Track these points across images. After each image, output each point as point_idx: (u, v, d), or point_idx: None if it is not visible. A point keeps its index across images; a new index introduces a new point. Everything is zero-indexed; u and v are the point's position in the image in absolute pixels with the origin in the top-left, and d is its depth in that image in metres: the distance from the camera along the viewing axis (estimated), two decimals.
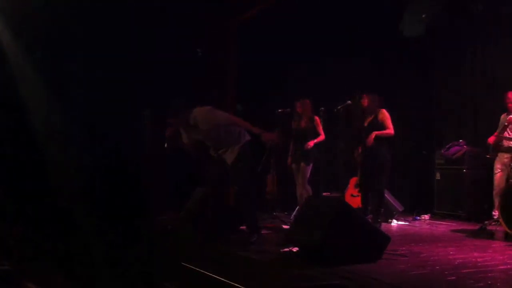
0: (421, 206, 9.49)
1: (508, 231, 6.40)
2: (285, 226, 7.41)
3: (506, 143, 7.35)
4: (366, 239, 5.12)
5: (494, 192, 7.40)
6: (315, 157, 8.00)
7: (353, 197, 8.67)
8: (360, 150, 7.45)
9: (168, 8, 9.14)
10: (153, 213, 8.49)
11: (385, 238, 5.33)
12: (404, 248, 5.88)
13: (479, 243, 6.37)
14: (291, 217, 8.50)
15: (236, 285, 4.14)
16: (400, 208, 8.60)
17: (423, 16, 9.10)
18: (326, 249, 4.98)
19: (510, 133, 7.35)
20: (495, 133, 7.47)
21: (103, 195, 8.52)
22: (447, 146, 9.05)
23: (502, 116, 7.57)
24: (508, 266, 5.03)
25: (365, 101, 7.42)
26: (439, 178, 9.10)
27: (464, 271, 4.77)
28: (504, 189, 6.73)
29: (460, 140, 9.03)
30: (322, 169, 8.15)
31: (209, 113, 6.24)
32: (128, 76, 8.84)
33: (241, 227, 7.24)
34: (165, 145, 6.35)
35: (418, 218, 8.75)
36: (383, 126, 7.27)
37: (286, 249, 5.53)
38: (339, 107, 7.86)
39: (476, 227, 7.45)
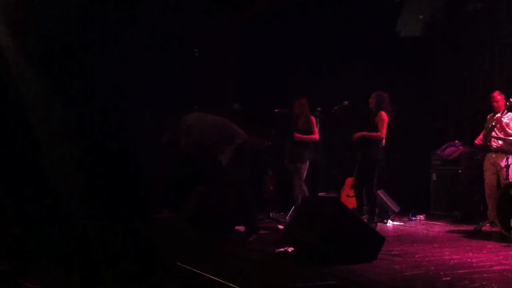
0: (417, 206, 9.51)
1: (504, 232, 6.44)
2: (280, 227, 7.44)
3: (494, 143, 7.35)
4: (361, 240, 5.16)
5: (486, 193, 7.45)
6: (311, 157, 8.03)
7: (349, 198, 8.70)
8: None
9: (168, 8, 9.15)
10: (151, 213, 8.52)
11: (380, 239, 5.37)
12: (399, 249, 5.91)
13: (475, 243, 6.41)
14: (287, 217, 8.53)
15: (232, 285, 4.17)
16: (396, 208, 8.62)
17: (421, 16, 9.14)
18: (321, 249, 5.01)
19: (498, 133, 7.33)
20: (481, 134, 7.49)
21: (102, 195, 8.54)
22: (443, 147, 9.07)
23: (489, 117, 7.59)
24: (503, 267, 5.07)
25: (373, 101, 7.50)
26: (435, 178, 9.13)
27: (459, 271, 4.80)
28: (499, 191, 6.77)
29: (456, 141, 9.05)
30: (318, 170, 8.17)
31: (199, 118, 6.36)
32: (128, 76, 8.85)
33: (238, 227, 7.27)
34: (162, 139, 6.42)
35: (414, 218, 8.77)
36: (376, 128, 7.34)
37: (282, 249, 5.55)
38: (335, 108, 7.89)
39: (472, 227, 7.49)
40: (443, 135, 9.82)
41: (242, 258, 5.52)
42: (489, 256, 5.59)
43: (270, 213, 8.76)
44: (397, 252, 5.64)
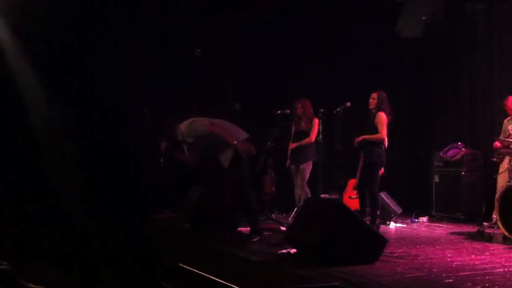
0: (419, 208, 9.49)
1: (506, 234, 6.41)
2: (282, 228, 7.42)
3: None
4: (364, 241, 5.13)
5: (496, 196, 7.40)
6: (314, 158, 8.01)
7: (351, 199, 8.68)
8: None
9: (168, 8, 9.15)
10: (151, 213, 8.50)
11: (382, 240, 5.34)
12: (401, 250, 5.89)
13: (477, 245, 6.38)
14: (290, 219, 8.51)
15: (232, 285, 4.14)
16: (398, 210, 8.60)
17: (423, 17, 9.11)
18: (323, 250, 4.99)
19: None
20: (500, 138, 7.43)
21: (101, 195, 8.53)
22: (445, 149, 9.05)
23: (506, 120, 7.57)
24: (506, 269, 5.04)
25: (374, 102, 7.45)
26: (437, 180, 9.11)
27: (462, 273, 4.77)
28: (502, 192, 6.74)
29: (459, 143, 9.03)
30: (321, 171, 8.14)
31: (189, 127, 6.37)
32: (128, 76, 8.85)
33: (241, 228, 7.25)
34: (161, 160, 6.46)
35: (416, 220, 8.75)
36: (376, 129, 7.31)
37: (284, 251, 5.54)
38: (338, 109, 7.87)
39: (474, 229, 7.46)
40: (444, 136, 9.81)
41: (243, 258, 5.50)
42: (492, 258, 5.56)
43: (272, 214, 8.74)
44: (399, 254, 5.62)
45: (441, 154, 9.08)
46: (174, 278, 4.97)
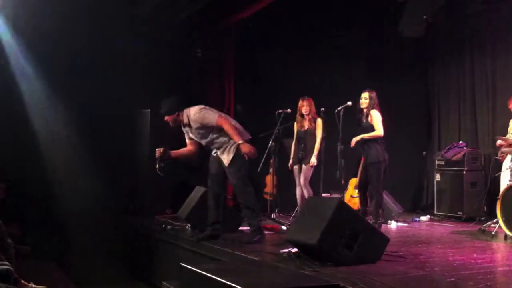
0: (420, 207, 9.49)
1: (508, 232, 6.39)
2: (284, 227, 7.40)
3: None
4: (365, 240, 5.11)
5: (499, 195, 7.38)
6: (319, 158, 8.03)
7: (352, 198, 8.66)
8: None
9: (167, 8, 9.15)
10: (152, 213, 8.50)
11: (384, 239, 5.33)
12: (403, 250, 5.88)
13: (479, 244, 6.37)
14: (291, 218, 8.49)
15: (234, 285, 4.13)
16: (399, 209, 8.59)
17: (424, 17, 9.10)
18: (325, 250, 4.97)
19: None
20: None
21: (102, 194, 8.53)
22: (447, 148, 9.04)
23: (511, 121, 7.57)
24: (508, 268, 5.03)
25: (366, 101, 7.40)
26: (439, 179, 9.09)
27: (464, 272, 4.76)
28: (504, 191, 6.72)
29: (460, 142, 9.03)
30: (322, 170, 8.13)
31: (199, 112, 6.32)
32: (127, 77, 8.85)
33: (240, 227, 7.24)
34: (157, 166, 6.39)
35: (418, 219, 8.74)
36: (372, 128, 7.29)
37: (285, 250, 5.52)
38: (339, 108, 7.85)
39: (476, 228, 7.45)
40: (446, 135, 9.80)
41: (244, 258, 5.49)
42: (494, 257, 5.56)
43: (273, 214, 8.73)
44: (401, 253, 5.60)
45: (442, 153, 9.08)
46: (173, 278, 4.97)
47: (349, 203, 7.30)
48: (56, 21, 8.20)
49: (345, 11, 9.67)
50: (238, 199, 6.52)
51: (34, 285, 4.58)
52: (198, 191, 7.36)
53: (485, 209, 8.11)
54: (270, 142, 8.22)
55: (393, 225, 8.21)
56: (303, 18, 9.81)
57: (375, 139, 7.33)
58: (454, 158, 8.84)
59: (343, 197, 8.73)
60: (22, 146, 8.37)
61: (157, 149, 6.44)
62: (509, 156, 7.36)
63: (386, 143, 7.44)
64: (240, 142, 6.19)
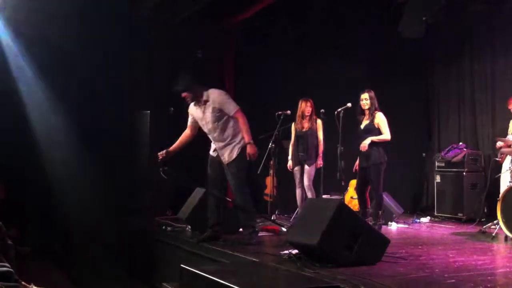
0: (421, 208, 9.49)
1: (508, 234, 6.39)
2: (284, 229, 7.40)
3: None
4: (366, 242, 5.11)
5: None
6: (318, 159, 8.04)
7: (353, 200, 8.67)
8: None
9: (167, 8, 9.15)
10: (152, 214, 8.50)
11: (384, 241, 5.32)
12: (403, 251, 5.87)
13: (479, 246, 6.36)
14: (291, 220, 8.49)
15: (235, 287, 4.13)
16: (400, 210, 8.59)
17: (424, 18, 9.10)
18: (326, 251, 4.97)
19: None
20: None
21: (102, 195, 8.52)
22: (447, 149, 9.05)
23: (511, 122, 7.57)
24: (508, 269, 5.03)
25: (368, 102, 7.37)
26: (439, 180, 9.10)
27: (464, 274, 4.76)
28: (504, 192, 6.72)
29: (460, 143, 9.04)
30: (322, 172, 8.13)
31: (224, 95, 6.35)
32: (128, 77, 8.84)
33: (240, 229, 7.24)
34: (160, 169, 6.36)
35: (418, 221, 8.74)
36: (378, 131, 7.26)
37: (286, 251, 5.52)
38: (339, 110, 7.85)
39: (476, 230, 7.45)
40: (446, 136, 9.80)
41: (244, 259, 5.49)
42: (494, 259, 5.56)
43: (273, 215, 8.73)
44: (401, 255, 5.60)
45: (442, 154, 9.09)
46: (173, 279, 4.96)
47: (349, 205, 7.32)
48: (55, 21, 8.20)
49: (344, 12, 9.66)
50: (235, 200, 6.50)
51: (34, 287, 4.57)
52: (198, 193, 7.36)
53: (485, 211, 8.11)
54: (270, 144, 8.22)
55: (393, 226, 8.20)
56: (302, 18, 9.81)
57: (378, 143, 7.28)
58: (454, 160, 8.85)
59: (343, 198, 8.73)
60: (22, 146, 8.36)
61: (159, 153, 6.43)
62: (508, 157, 7.36)
63: (386, 144, 7.43)
64: (249, 141, 6.19)
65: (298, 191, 8.17)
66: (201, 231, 6.70)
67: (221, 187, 6.57)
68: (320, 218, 5.15)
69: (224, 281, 4.27)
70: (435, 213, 9.03)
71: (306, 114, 8.10)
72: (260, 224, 7.36)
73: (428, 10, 8.57)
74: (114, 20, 8.55)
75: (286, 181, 8.90)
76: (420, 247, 6.30)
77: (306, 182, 7.96)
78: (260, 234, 6.95)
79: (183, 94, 6.37)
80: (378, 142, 7.24)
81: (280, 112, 8.31)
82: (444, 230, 7.87)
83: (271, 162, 8.88)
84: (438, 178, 9.11)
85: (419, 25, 8.93)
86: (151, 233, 7.80)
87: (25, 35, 8.36)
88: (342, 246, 5.00)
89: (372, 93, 7.40)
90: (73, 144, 8.61)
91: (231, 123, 6.31)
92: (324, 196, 8.55)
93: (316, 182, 8.13)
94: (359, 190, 7.59)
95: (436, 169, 9.19)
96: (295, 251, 5.42)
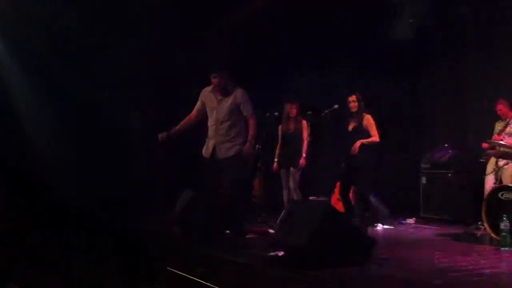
0: (407, 210, 9.51)
1: (493, 235, 6.44)
2: (271, 230, 7.41)
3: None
4: (352, 243, 5.13)
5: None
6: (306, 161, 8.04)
7: (339, 201, 8.66)
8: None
9: (164, 9, 9.13)
10: (140, 215, 8.46)
11: (371, 242, 5.35)
12: (389, 252, 5.90)
13: (465, 247, 6.41)
14: (277, 221, 8.49)
15: None
16: (386, 212, 8.61)
17: (411, 20, 9.15)
18: (312, 252, 4.98)
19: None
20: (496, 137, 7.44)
21: (92, 197, 8.48)
22: (433, 150, 9.08)
23: (496, 123, 7.62)
24: (493, 270, 5.07)
25: (356, 104, 7.38)
26: (425, 182, 9.13)
27: (450, 275, 4.79)
28: (489, 193, 6.78)
29: (446, 145, 9.07)
30: (309, 173, 8.14)
31: (246, 95, 6.55)
32: (127, 76, 8.81)
33: (227, 230, 7.24)
34: (160, 152, 6.39)
35: (404, 222, 8.77)
36: (367, 132, 7.28)
37: (273, 253, 5.53)
38: (326, 111, 7.87)
39: (462, 231, 7.49)
40: (432, 138, 9.84)
41: (231, 261, 5.49)
42: (479, 260, 5.58)
43: (260, 217, 8.73)
44: (387, 256, 5.62)
45: (428, 155, 9.12)
46: (160, 282, 4.94)
47: (336, 206, 7.33)
48: (53, 21, 8.16)
49: (334, 13, 9.67)
50: (228, 201, 6.49)
51: None
52: (186, 195, 7.35)
53: (471, 212, 8.14)
54: (257, 146, 8.23)
55: (379, 227, 8.23)
56: (290, 20, 9.81)
57: (366, 146, 7.30)
58: (440, 161, 8.89)
59: (330, 200, 8.76)
60: (19, 146, 8.32)
61: (159, 135, 6.46)
62: (493, 159, 7.42)
63: (372, 146, 7.46)
64: (252, 141, 6.29)
65: (285, 192, 8.17)
66: (193, 233, 6.69)
67: (221, 187, 6.56)
68: (307, 220, 5.18)
69: (209, 283, 4.27)
70: (421, 214, 9.06)
71: (291, 115, 8.12)
72: (247, 225, 7.35)
73: (417, 12, 8.62)
74: (112, 19, 8.52)
75: (274, 182, 8.91)
76: (406, 248, 6.34)
77: (291, 184, 7.97)
78: (248, 236, 6.95)
79: (214, 80, 6.47)
80: (365, 144, 7.27)
81: (267, 114, 8.33)
82: (430, 231, 7.91)
83: (259, 164, 8.89)
84: (424, 180, 9.14)
85: (408, 27, 8.98)
86: (143, 233, 7.77)
87: (18, 32, 8.30)
88: (329, 248, 5.02)
89: (360, 96, 7.43)
90: (70, 142, 8.56)
91: (239, 123, 6.38)
92: (311, 198, 8.58)
93: (303, 183, 8.14)
94: (344, 191, 7.60)
95: (422, 170, 9.23)
96: (281, 253, 5.43)
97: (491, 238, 6.52)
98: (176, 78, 9.76)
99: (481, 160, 7.59)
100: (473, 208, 7.86)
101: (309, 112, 8.22)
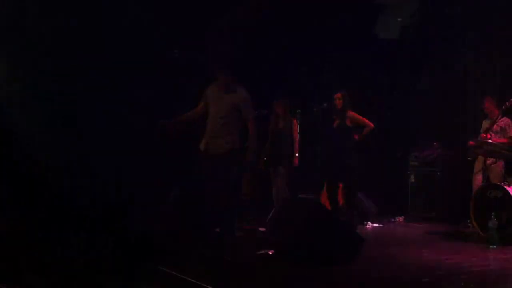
0: (395, 208, 9.54)
1: (481, 233, 6.48)
2: (261, 229, 7.42)
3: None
4: (341, 241, 5.15)
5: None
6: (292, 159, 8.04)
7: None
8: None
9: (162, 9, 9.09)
10: (133, 214, 8.44)
11: (359, 240, 5.37)
12: (378, 250, 5.92)
13: (453, 245, 6.45)
14: (267, 220, 8.50)
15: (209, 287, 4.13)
16: (374, 210, 8.64)
17: (399, 19, 9.18)
18: (301, 251, 4.99)
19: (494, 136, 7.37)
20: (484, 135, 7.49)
21: (85, 195, 8.44)
22: (421, 148, 9.12)
23: (483, 122, 7.66)
24: (481, 268, 5.10)
25: (340, 102, 7.40)
26: (413, 180, 9.17)
27: (438, 273, 4.82)
28: (476, 191, 6.82)
29: (434, 143, 9.11)
30: (298, 171, 8.15)
31: (249, 96, 6.40)
32: (127, 76, 8.76)
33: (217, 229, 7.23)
34: (157, 129, 6.33)
35: (393, 220, 8.81)
36: (351, 129, 7.31)
37: (262, 251, 5.53)
38: (315, 110, 7.89)
39: (450, 229, 7.53)
40: (421, 136, 9.88)
41: (220, 259, 5.48)
42: (467, 258, 5.62)
43: (250, 215, 8.73)
44: (376, 254, 5.64)
45: (416, 153, 9.15)
46: (152, 282, 4.93)
47: (325, 204, 7.36)
48: (51, 20, 8.10)
49: (321, 13, 9.68)
50: (220, 199, 6.47)
51: None
52: (175, 191, 7.34)
53: (459, 210, 8.19)
54: (246, 143, 8.22)
55: (368, 226, 8.26)
56: (279, 20, 9.80)
57: (351, 143, 7.32)
58: (428, 159, 8.93)
59: (319, 198, 8.78)
60: (19, 146, 8.25)
61: (161, 121, 6.44)
62: (481, 158, 7.46)
63: (361, 144, 7.48)
64: (253, 147, 6.22)
65: (274, 190, 8.18)
66: (181, 230, 6.68)
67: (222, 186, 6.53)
68: (296, 218, 5.18)
69: (199, 282, 4.27)
70: (410, 213, 9.10)
71: (280, 114, 8.13)
72: (237, 224, 7.35)
73: (403, 12, 8.65)
74: (110, 19, 8.47)
75: (263, 180, 8.91)
76: (394, 246, 6.36)
77: (279, 182, 7.97)
78: (238, 234, 6.95)
79: (224, 77, 6.43)
80: (350, 143, 7.29)
81: (256, 111, 8.32)
82: (418, 229, 7.95)
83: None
84: (412, 178, 9.19)
85: (394, 27, 9.02)
86: (129, 235, 7.74)
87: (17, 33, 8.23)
88: (317, 246, 5.03)
89: (345, 93, 7.45)
90: (70, 144, 8.50)
91: (236, 122, 6.32)
92: (300, 195, 8.59)
93: (292, 181, 8.15)
94: (331, 189, 7.61)
95: (410, 168, 9.27)
96: (271, 251, 5.44)
97: (479, 236, 6.56)
98: (176, 78, 9.74)
99: (469, 158, 7.64)
100: (461, 206, 7.92)
101: (298, 111, 8.23)
